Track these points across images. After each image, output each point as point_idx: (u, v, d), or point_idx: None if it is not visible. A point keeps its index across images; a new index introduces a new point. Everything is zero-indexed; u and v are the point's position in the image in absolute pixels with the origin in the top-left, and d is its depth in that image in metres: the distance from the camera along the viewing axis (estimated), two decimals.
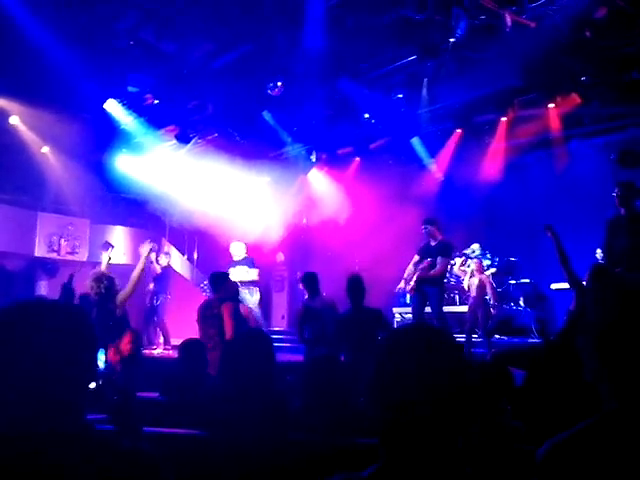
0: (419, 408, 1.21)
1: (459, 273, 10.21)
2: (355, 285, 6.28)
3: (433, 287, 7.84)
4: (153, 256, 10.82)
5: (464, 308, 9.74)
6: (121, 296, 6.28)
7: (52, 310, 1.45)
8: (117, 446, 1.38)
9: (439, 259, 7.84)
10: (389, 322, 6.43)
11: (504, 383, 3.70)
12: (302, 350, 10.87)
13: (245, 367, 2.66)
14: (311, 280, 7.07)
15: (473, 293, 8.79)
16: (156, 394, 4.34)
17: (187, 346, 4.74)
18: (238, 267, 9.67)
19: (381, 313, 6.30)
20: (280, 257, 14.26)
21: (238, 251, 9.89)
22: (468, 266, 9.80)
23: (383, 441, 1.25)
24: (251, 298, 9.53)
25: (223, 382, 2.79)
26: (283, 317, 13.99)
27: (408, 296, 11.80)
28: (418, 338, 1.31)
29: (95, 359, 1.49)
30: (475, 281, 8.80)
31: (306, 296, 7.19)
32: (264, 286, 13.34)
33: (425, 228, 8.09)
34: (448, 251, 8.02)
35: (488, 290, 8.76)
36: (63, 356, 1.37)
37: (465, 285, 9.33)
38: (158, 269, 10.78)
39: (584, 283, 5.81)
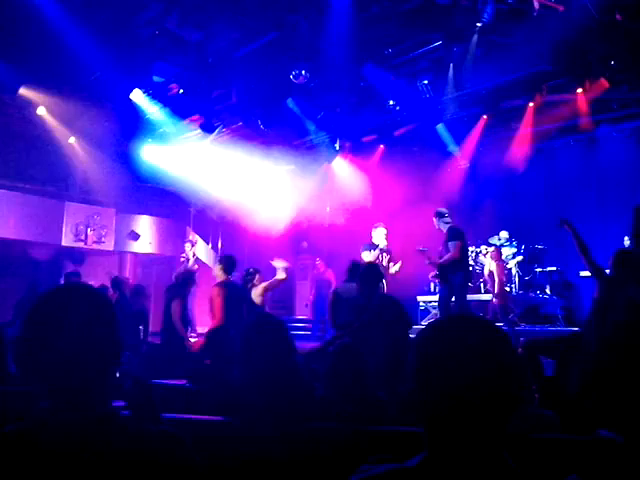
0: (468, 398, 1.19)
1: (483, 261, 10.14)
2: (374, 273, 6.23)
3: (454, 275, 7.76)
4: (189, 250, 11.04)
5: (489, 296, 9.70)
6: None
7: (87, 295, 1.47)
8: (143, 429, 1.41)
9: (449, 244, 7.66)
10: (407, 312, 6.35)
11: (534, 371, 3.67)
12: (326, 338, 10.91)
13: (260, 353, 2.66)
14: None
15: (490, 282, 8.75)
16: (184, 381, 4.37)
17: (213, 334, 4.76)
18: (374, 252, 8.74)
19: (399, 303, 6.23)
20: (304, 245, 14.28)
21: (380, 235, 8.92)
22: (486, 254, 9.76)
23: (429, 430, 1.24)
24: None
25: (242, 369, 2.79)
26: (307, 305, 13.99)
27: (432, 284, 11.80)
28: (465, 327, 1.29)
29: (120, 344, 1.48)
30: (493, 268, 8.76)
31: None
32: (288, 274, 13.38)
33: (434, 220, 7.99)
34: (453, 235, 7.73)
35: (497, 277, 8.69)
36: (97, 338, 1.40)
37: (485, 273, 9.29)
38: (195, 267, 11.02)
39: (607, 271, 5.78)
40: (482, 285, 11.28)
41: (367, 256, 8.40)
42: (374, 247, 8.65)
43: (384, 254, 8.68)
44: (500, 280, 8.86)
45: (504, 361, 1.24)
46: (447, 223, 7.83)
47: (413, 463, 1.24)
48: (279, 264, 7.13)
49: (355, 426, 2.67)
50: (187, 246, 11.69)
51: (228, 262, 7.04)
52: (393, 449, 1.55)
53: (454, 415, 1.20)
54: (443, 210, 8.02)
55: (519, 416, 2.77)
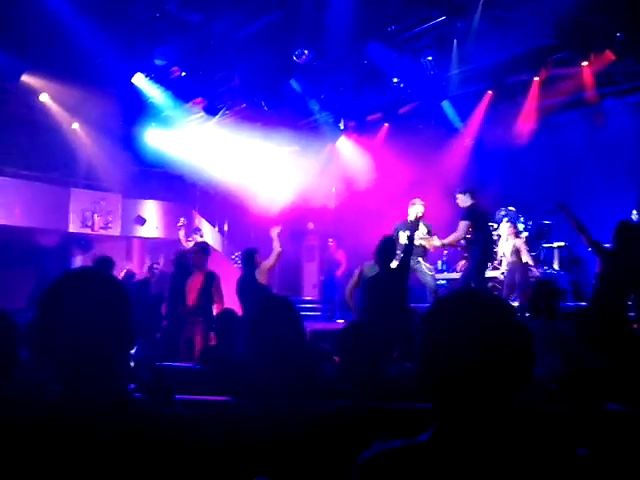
0: (475, 372, 1.21)
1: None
2: (385, 247, 6.12)
3: (471, 252, 7.77)
4: (182, 234, 10.75)
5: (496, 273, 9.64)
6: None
7: (99, 279, 1.48)
8: (157, 412, 1.42)
9: (459, 224, 7.61)
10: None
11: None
12: (334, 318, 10.95)
13: (268, 333, 2.66)
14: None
15: (509, 258, 8.63)
16: (192, 363, 4.41)
17: (221, 316, 4.80)
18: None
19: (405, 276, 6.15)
20: (310, 226, 14.25)
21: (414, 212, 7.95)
22: (496, 230, 9.64)
23: (438, 405, 1.26)
24: (428, 266, 7.97)
25: (249, 349, 2.80)
26: (314, 286, 14.03)
27: (440, 262, 11.77)
28: (470, 302, 1.31)
29: (132, 326, 1.48)
30: (510, 245, 8.65)
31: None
32: (295, 255, 13.40)
33: (456, 198, 7.84)
34: (464, 215, 7.62)
35: (524, 254, 8.58)
36: (110, 322, 1.40)
37: (500, 251, 9.17)
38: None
39: (607, 245, 5.88)
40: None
41: (403, 237, 7.42)
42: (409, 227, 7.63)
43: (424, 230, 7.91)
44: (522, 254, 8.65)
45: (511, 335, 1.24)
46: (470, 200, 7.70)
47: (424, 438, 1.26)
48: (274, 232, 7.19)
49: (367, 403, 2.68)
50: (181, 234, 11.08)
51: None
52: (405, 426, 1.55)
53: (462, 389, 1.21)
54: (467, 188, 7.87)
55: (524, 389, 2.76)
